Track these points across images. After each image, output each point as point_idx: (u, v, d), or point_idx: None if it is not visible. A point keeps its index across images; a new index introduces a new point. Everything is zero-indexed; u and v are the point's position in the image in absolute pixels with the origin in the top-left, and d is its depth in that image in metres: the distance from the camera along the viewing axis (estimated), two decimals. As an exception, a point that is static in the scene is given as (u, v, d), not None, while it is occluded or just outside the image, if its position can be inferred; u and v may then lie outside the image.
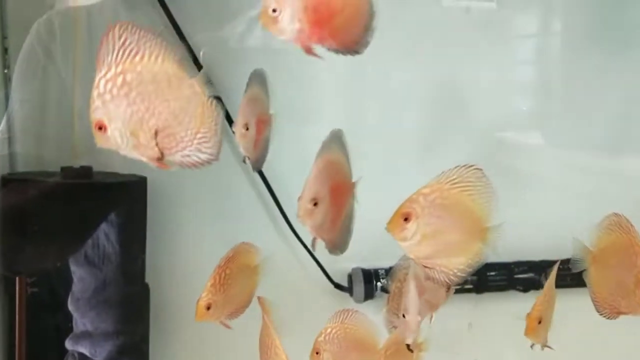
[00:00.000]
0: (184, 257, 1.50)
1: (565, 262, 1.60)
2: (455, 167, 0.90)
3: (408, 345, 1.01)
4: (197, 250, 1.36)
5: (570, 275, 1.58)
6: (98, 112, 0.77)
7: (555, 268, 1.22)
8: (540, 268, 1.59)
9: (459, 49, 1.60)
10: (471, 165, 0.90)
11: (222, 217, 1.53)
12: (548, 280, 1.22)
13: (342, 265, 1.60)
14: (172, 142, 0.82)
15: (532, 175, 1.66)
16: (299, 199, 0.95)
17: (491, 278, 1.56)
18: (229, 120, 1.26)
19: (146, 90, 0.79)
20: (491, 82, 1.63)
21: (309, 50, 0.83)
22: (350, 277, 1.59)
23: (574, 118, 1.67)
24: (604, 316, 1.08)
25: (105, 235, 1.34)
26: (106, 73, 0.77)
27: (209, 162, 0.84)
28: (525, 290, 1.59)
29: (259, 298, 1.10)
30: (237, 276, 1.08)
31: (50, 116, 1.47)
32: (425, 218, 0.88)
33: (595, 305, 1.10)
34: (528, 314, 1.17)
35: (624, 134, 1.73)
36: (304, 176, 0.99)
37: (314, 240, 1.00)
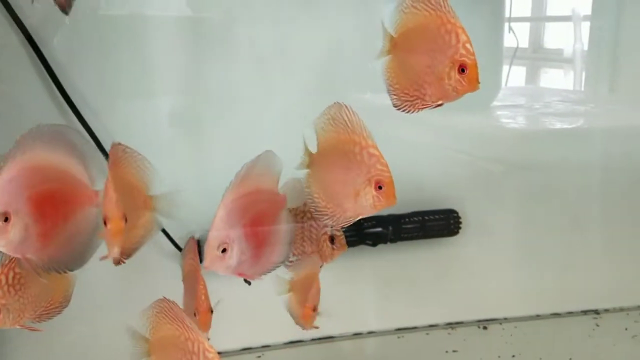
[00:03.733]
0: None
1: (412, 215, 1.69)
2: None
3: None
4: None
5: (418, 228, 1.69)
6: None
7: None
8: (388, 222, 1.63)
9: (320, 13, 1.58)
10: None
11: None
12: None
13: (189, 230, 1.54)
14: None
15: (385, 133, 1.70)
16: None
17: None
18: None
19: None
20: (352, 47, 1.62)
21: None
22: (199, 242, 1.53)
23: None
24: (404, 109, 0.96)
25: None
26: None
27: None
28: (375, 244, 1.63)
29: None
30: (33, 274, 0.94)
31: None
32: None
33: (393, 98, 0.96)
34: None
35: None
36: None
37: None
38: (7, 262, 0.95)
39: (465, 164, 1.74)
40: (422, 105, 0.95)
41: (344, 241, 1.13)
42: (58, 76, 1.37)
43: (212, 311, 1.09)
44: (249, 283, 1.01)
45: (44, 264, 0.90)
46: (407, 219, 1.65)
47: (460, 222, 1.70)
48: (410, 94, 0.95)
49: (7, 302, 0.94)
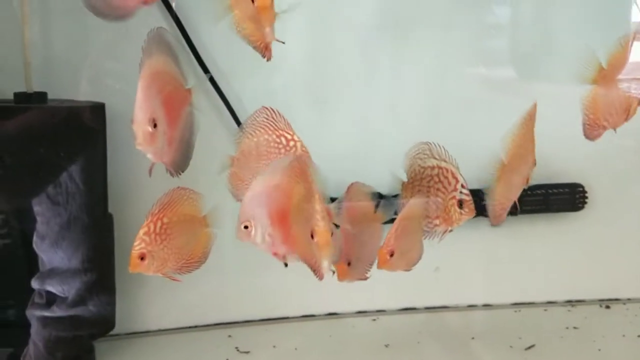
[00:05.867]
0: (147, 184, 1.46)
1: (535, 188, 1.64)
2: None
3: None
4: (159, 175, 1.32)
5: (541, 201, 1.64)
6: None
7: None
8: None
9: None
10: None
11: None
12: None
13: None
14: None
15: (504, 106, 1.66)
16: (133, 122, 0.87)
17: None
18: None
19: None
20: (464, 22, 1.60)
21: None
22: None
23: (545, 52, 1.65)
24: (591, 137, 1.10)
25: (67, 172, 1.28)
26: None
27: None
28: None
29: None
30: (179, 226, 1.01)
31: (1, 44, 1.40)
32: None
33: (587, 127, 1.09)
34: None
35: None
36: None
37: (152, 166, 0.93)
38: (156, 211, 0.99)
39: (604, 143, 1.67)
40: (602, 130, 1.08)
41: (472, 206, 1.11)
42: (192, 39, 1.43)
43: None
44: (286, 265, 1.03)
45: (172, 170, 0.93)
46: (529, 192, 1.60)
47: (586, 197, 1.64)
48: (599, 123, 1.06)
49: (153, 250, 0.98)
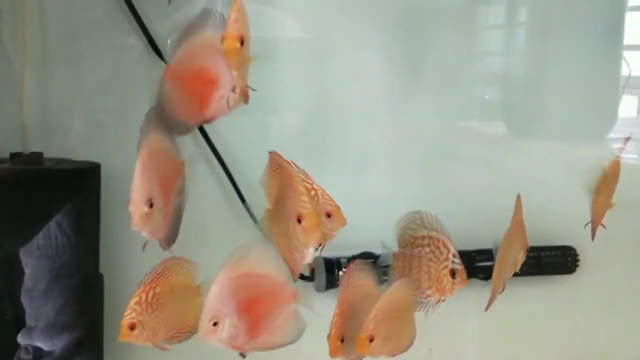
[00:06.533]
0: (139, 246, 1.46)
1: (528, 250, 1.64)
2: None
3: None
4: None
5: (533, 264, 1.64)
6: None
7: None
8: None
9: (425, 39, 1.60)
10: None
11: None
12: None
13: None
14: None
15: (494, 163, 1.68)
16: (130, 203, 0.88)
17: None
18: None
19: None
20: (456, 72, 1.63)
21: None
22: (311, 266, 1.57)
23: (536, 108, 1.68)
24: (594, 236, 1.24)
25: (58, 224, 1.29)
26: None
27: None
28: (486, 278, 1.60)
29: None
30: (171, 296, 1.00)
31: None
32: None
33: (593, 229, 1.25)
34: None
35: (583, 124, 1.75)
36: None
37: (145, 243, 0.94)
38: (149, 281, 0.99)
39: (583, 198, 1.68)
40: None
41: (465, 275, 1.11)
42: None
43: None
44: (244, 356, 1.02)
45: (165, 245, 0.95)
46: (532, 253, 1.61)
47: (578, 260, 1.64)
48: (597, 225, 1.25)
49: (144, 319, 0.97)
